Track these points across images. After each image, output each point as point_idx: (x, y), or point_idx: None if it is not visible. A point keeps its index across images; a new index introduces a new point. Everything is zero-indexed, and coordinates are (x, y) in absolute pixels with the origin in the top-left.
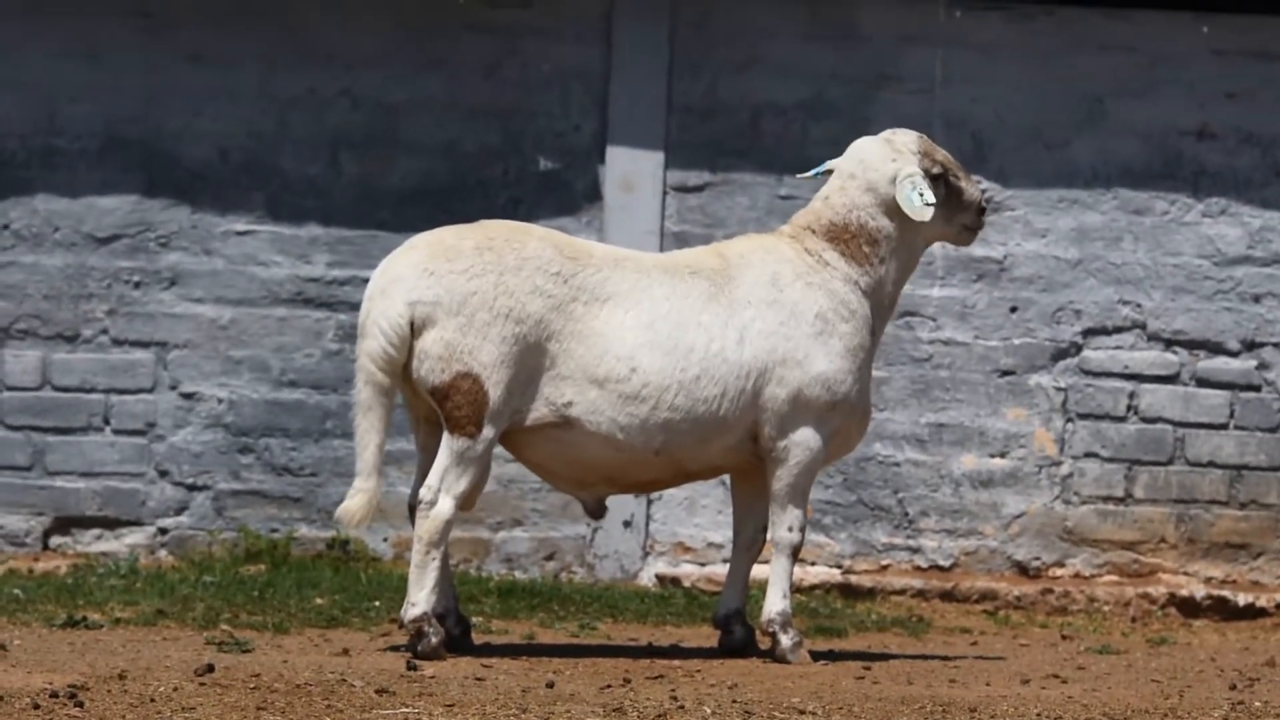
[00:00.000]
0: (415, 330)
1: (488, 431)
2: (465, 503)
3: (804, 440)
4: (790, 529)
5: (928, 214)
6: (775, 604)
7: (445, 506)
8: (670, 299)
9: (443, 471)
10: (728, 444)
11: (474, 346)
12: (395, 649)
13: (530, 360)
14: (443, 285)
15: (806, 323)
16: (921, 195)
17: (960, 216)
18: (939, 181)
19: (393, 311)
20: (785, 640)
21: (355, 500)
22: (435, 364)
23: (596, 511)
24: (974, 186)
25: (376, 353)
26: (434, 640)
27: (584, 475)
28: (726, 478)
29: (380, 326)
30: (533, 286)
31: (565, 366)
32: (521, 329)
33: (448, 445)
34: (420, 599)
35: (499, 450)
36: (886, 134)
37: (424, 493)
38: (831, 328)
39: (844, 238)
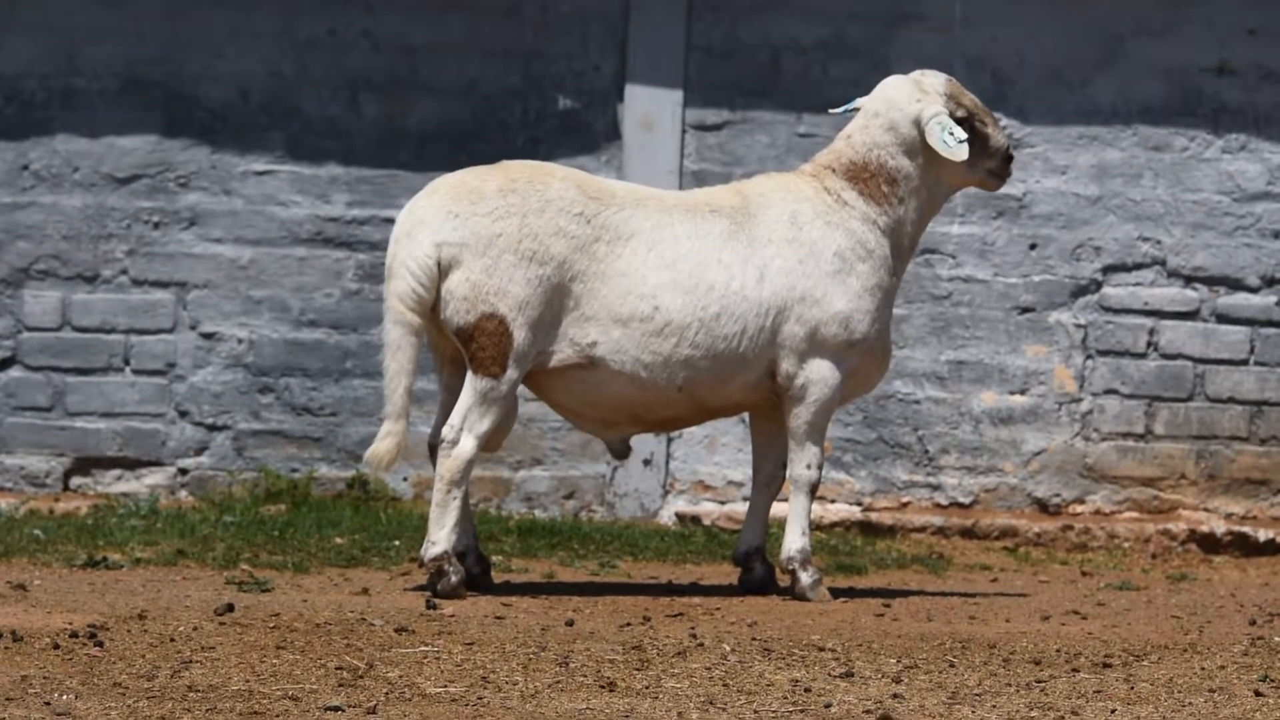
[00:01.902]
0: (442, 271)
1: (512, 372)
2: (490, 444)
3: (821, 378)
4: (809, 466)
5: (963, 152)
6: (794, 541)
7: (467, 445)
8: (691, 237)
9: (465, 411)
10: (747, 381)
11: (499, 288)
12: (415, 588)
13: (555, 301)
14: (468, 227)
15: (825, 261)
16: (953, 134)
17: (985, 162)
18: (963, 125)
19: (420, 252)
20: (805, 578)
21: (385, 443)
22: (461, 305)
23: (622, 452)
24: (1000, 132)
25: (405, 293)
26: (454, 579)
27: (609, 415)
28: (746, 416)
29: (408, 267)
30: (556, 228)
31: (589, 307)
32: (546, 270)
33: (471, 385)
34: (440, 538)
35: (521, 390)
36: (916, 74)
37: (446, 431)
38: (850, 267)
39: (863, 176)
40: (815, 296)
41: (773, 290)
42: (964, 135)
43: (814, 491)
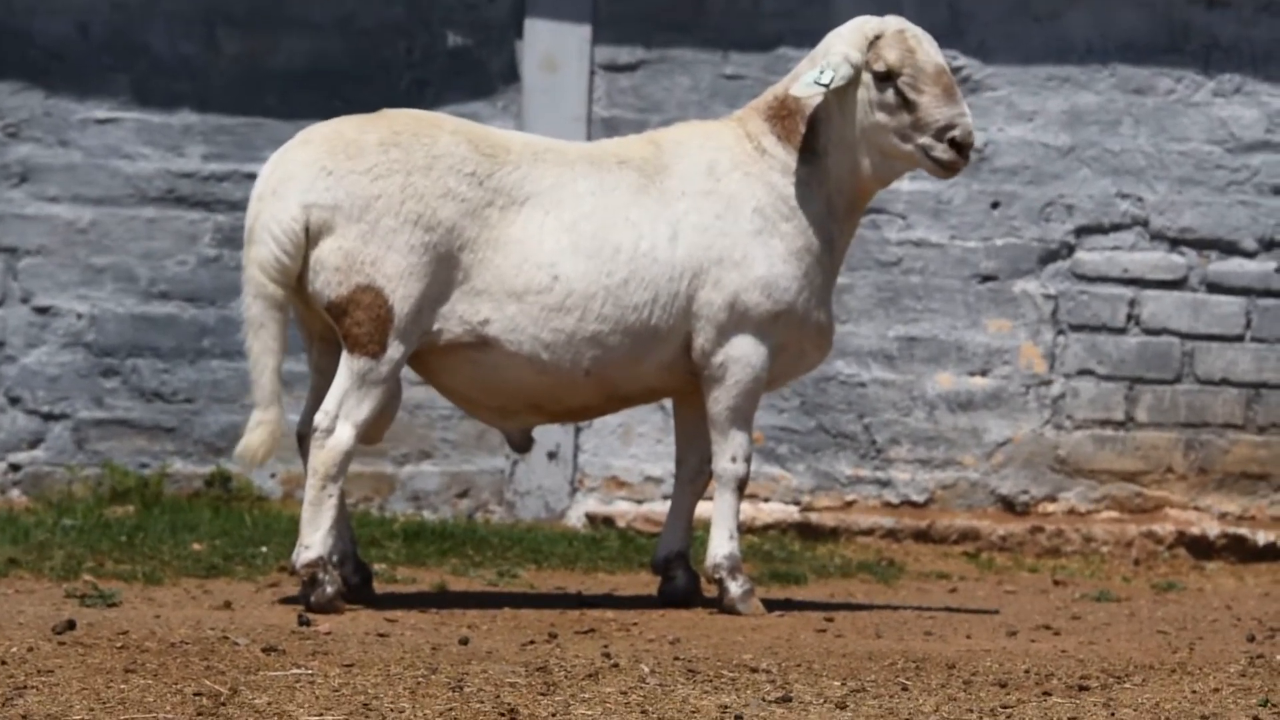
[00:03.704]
0: (311, 237)
1: (393, 351)
2: (370, 434)
3: (743, 355)
4: (734, 459)
5: (807, 91)
6: (721, 546)
7: (344, 435)
8: (595, 194)
9: (341, 395)
10: (662, 360)
11: (376, 257)
12: (285, 601)
13: (441, 273)
14: (343, 187)
15: (744, 218)
16: (821, 74)
17: (917, 136)
18: (885, 83)
19: (285, 215)
20: (734, 588)
21: (256, 434)
22: (332, 276)
23: (522, 444)
24: (942, 106)
25: (268, 261)
26: (329, 590)
27: (506, 402)
28: (668, 403)
29: (271, 231)
30: (444, 189)
31: (480, 279)
32: (432, 237)
33: (347, 366)
34: (315, 541)
35: (406, 372)
36: (875, 20)
37: (319, 418)
38: (772, 226)
39: (781, 114)
40: (734, 258)
41: (687, 250)
42: (830, 79)
43: (742, 488)
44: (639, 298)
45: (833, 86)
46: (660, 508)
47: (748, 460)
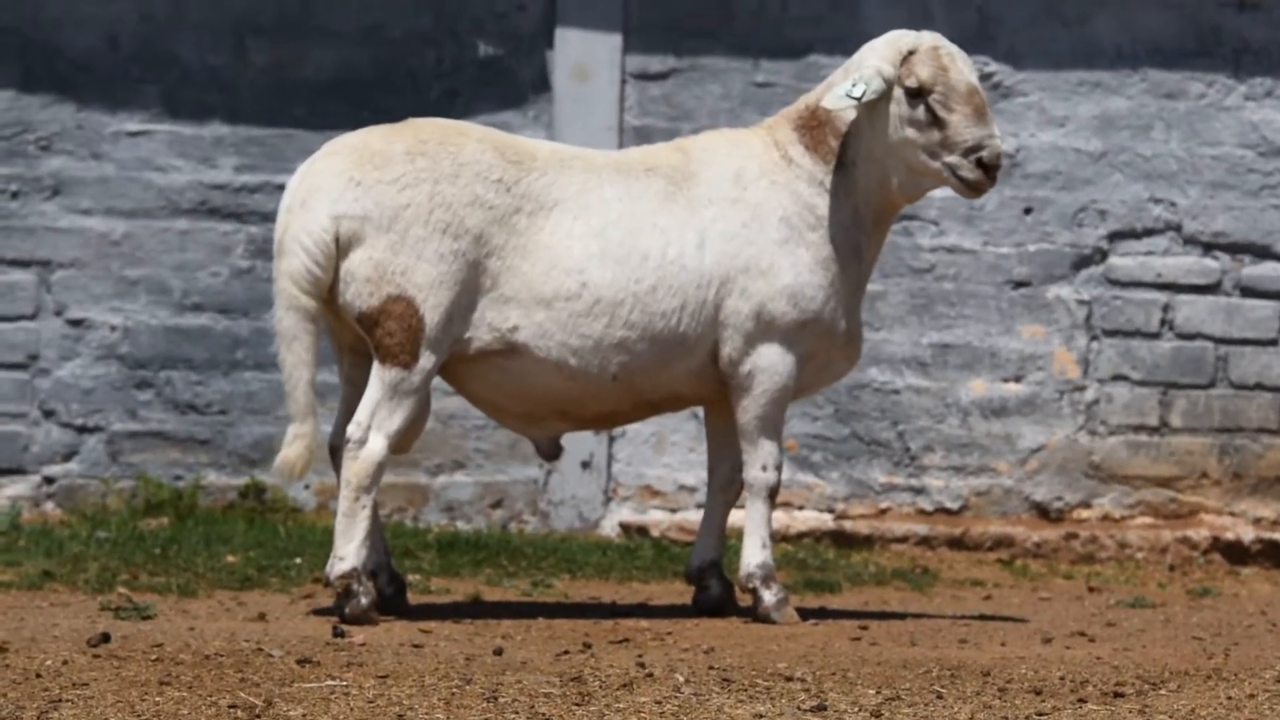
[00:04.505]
0: (341, 248)
1: (424, 361)
2: (401, 443)
3: (770, 364)
4: (764, 468)
5: (838, 104)
6: (754, 555)
7: (376, 445)
8: (623, 200)
9: (373, 406)
10: (690, 367)
11: (407, 266)
12: (320, 613)
13: (471, 280)
14: (371, 197)
15: (771, 227)
16: (853, 86)
17: (944, 154)
18: (917, 99)
19: (315, 226)
20: (768, 596)
21: (294, 448)
22: (363, 287)
23: (551, 452)
24: (972, 126)
25: (299, 273)
26: (364, 601)
27: (534, 409)
28: (700, 411)
29: (301, 243)
30: (472, 196)
31: (509, 286)
32: (460, 245)
33: (378, 377)
34: (349, 552)
35: (438, 383)
36: (911, 35)
37: (352, 430)
38: (799, 235)
39: (811, 124)
40: (760, 267)
41: (714, 258)
42: (861, 93)
43: (773, 497)
44: (667, 305)
45: (864, 100)
46: (694, 516)
47: (778, 469)
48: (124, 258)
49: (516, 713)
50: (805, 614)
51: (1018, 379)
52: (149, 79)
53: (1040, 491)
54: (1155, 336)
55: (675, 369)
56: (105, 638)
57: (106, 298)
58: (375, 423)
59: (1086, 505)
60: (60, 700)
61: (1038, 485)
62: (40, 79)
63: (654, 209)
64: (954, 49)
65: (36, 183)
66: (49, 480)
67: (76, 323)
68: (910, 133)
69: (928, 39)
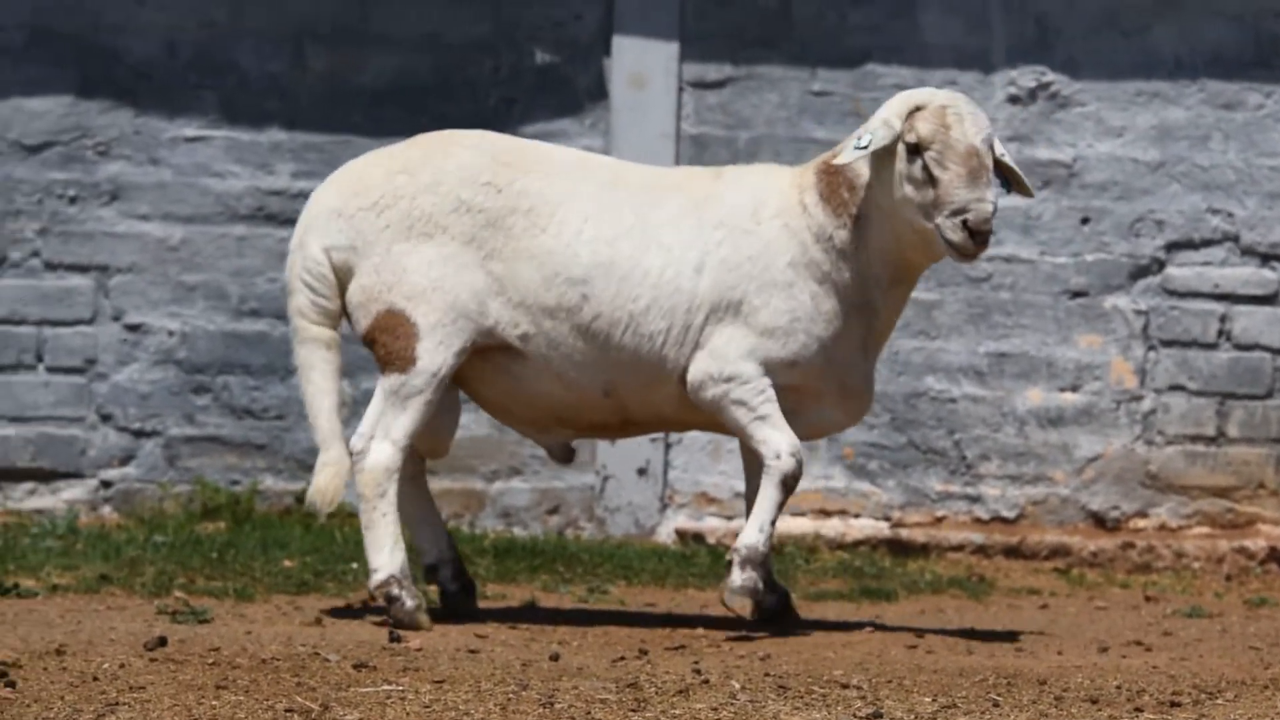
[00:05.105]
0: (340, 279)
1: (424, 363)
2: (433, 447)
3: (739, 372)
4: (778, 455)
5: (847, 157)
6: (749, 535)
7: (380, 453)
8: (637, 211)
9: (376, 416)
10: (671, 393)
11: (391, 282)
12: (376, 618)
13: (470, 283)
14: (354, 226)
15: (777, 268)
16: (860, 139)
17: (936, 214)
18: (915, 156)
19: (311, 261)
20: (736, 577)
21: (324, 476)
22: (358, 313)
23: (563, 456)
24: (961, 188)
25: (306, 307)
26: (409, 603)
27: (537, 415)
28: None
29: (304, 279)
30: (456, 202)
31: (515, 291)
32: (447, 250)
33: (380, 387)
34: (380, 562)
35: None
36: (925, 92)
37: (355, 442)
38: (803, 282)
39: (829, 173)
40: (755, 304)
41: (711, 284)
42: (867, 143)
43: (787, 485)
44: (655, 326)
45: (870, 150)
46: None
47: (794, 454)
48: (181, 263)
49: (572, 718)
50: (860, 623)
51: (1074, 388)
52: (207, 85)
53: (1097, 501)
54: (1212, 347)
55: (658, 392)
56: (162, 641)
57: (164, 303)
58: (378, 432)
59: (1143, 515)
60: (117, 703)
61: (1094, 495)
62: (99, 85)
63: (663, 223)
64: (967, 110)
65: (94, 188)
66: (106, 484)
67: (134, 328)
68: (909, 190)
69: (941, 97)
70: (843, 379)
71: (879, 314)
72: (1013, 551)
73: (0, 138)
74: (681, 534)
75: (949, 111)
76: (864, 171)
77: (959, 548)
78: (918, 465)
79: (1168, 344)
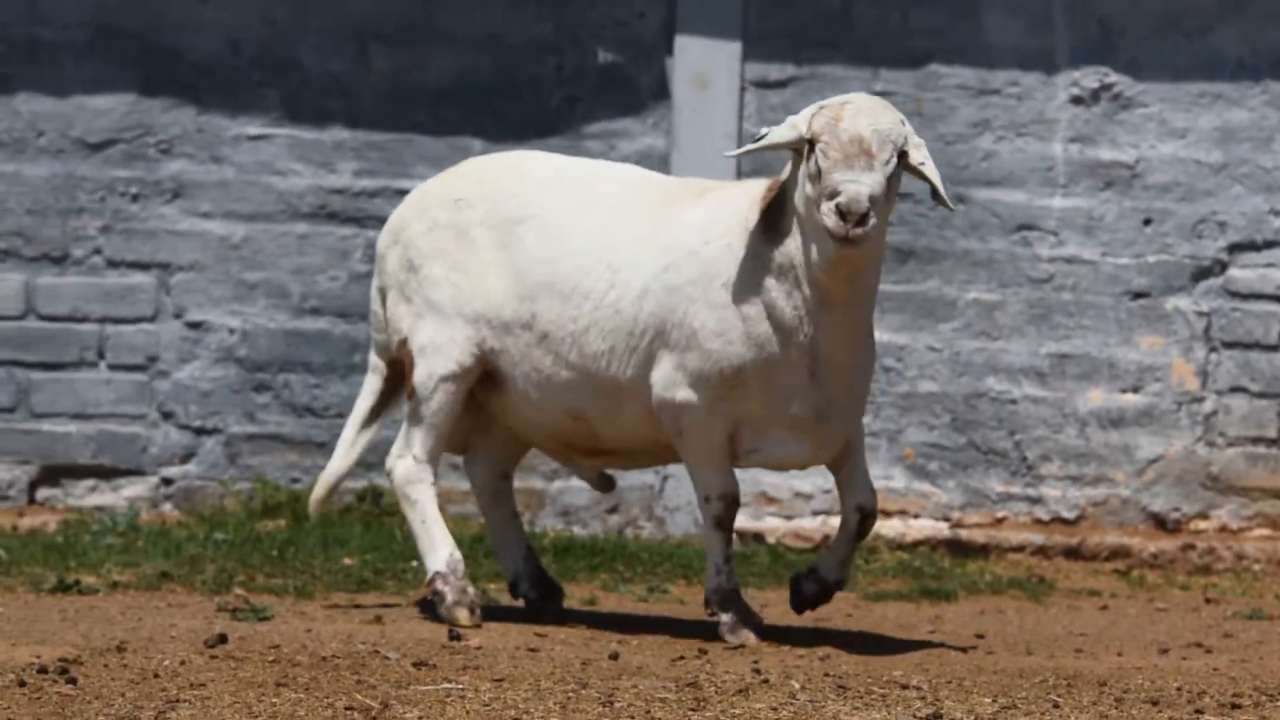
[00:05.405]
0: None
1: (427, 381)
2: (457, 442)
3: (687, 400)
4: (707, 499)
5: (738, 150)
6: (708, 583)
7: (401, 468)
8: (598, 229)
9: (402, 436)
10: (638, 414)
11: (401, 313)
12: (436, 615)
13: (451, 301)
14: (385, 267)
15: (714, 290)
16: (762, 131)
17: (816, 209)
18: (811, 152)
19: (371, 298)
20: (725, 620)
21: (316, 485)
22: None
23: (601, 484)
24: (836, 171)
25: (372, 336)
26: (450, 599)
27: (542, 441)
28: None
29: (370, 313)
30: (429, 223)
31: (480, 305)
32: (428, 271)
33: (405, 410)
34: (430, 562)
35: None
36: (842, 96)
37: (387, 460)
38: (734, 306)
39: (771, 190)
40: (693, 326)
41: (653, 310)
42: (763, 135)
43: (723, 524)
44: (596, 347)
45: (763, 145)
46: (809, 524)
47: (723, 498)
48: (243, 261)
49: (632, 717)
50: (920, 622)
51: (1136, 390)
52: (270, 83)
53: (1157, 502)
54: (1274, 349)
55: (623, 414)
56: (222, 639)
57: (225, 300)
58: (400, 451)
59: (1204, 516)
60: (178, 700)
61: (1155, 496)
62: (161, 83)
63: (619, 246)
64: (867, 106)
65: (156, 186)
66: (167, 482)
67: (195, 325)
68: (808, 188)
69: (847, 97)
70: (787, 408)
71: (819, 340)
72: (1073, 553)
73: (63, 136)
74: (741, 534)
75: (846, 107)
76: (796, 188)
77: (1019, 549)
78: (978, 466)
79: (1229, 345)
